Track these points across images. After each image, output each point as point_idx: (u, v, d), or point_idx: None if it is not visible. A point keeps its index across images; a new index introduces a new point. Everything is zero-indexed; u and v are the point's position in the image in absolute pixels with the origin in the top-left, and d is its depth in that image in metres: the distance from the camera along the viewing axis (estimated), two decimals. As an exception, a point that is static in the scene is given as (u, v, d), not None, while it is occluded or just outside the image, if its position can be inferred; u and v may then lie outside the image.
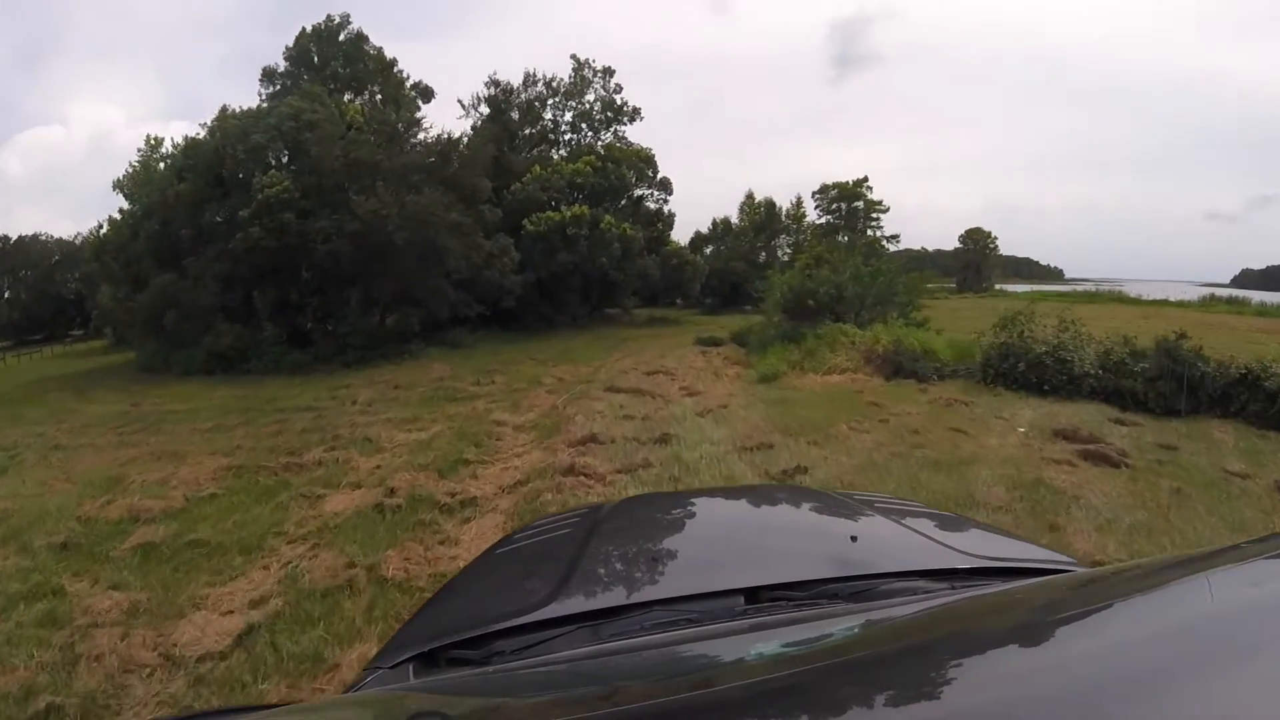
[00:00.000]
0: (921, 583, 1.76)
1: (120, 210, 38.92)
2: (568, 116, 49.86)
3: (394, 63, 42.31)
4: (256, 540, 8.71)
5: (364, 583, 7.23)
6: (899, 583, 1.75)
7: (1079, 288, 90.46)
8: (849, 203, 69.79)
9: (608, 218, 40.31)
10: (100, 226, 41.58)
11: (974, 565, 1.88)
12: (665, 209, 49.71)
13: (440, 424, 15.86)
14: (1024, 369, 16.74)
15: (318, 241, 30.17)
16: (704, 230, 65.64)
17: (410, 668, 1.67)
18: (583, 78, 48.95)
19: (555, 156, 45.61)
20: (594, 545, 2.27)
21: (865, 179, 69.71)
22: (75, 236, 77.95)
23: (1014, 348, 17.37)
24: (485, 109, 47.69)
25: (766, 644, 1.36)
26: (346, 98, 39.06)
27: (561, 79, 49.11)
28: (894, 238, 68.59)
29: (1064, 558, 2.17)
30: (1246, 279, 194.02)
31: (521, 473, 11.06)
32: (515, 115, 48.25)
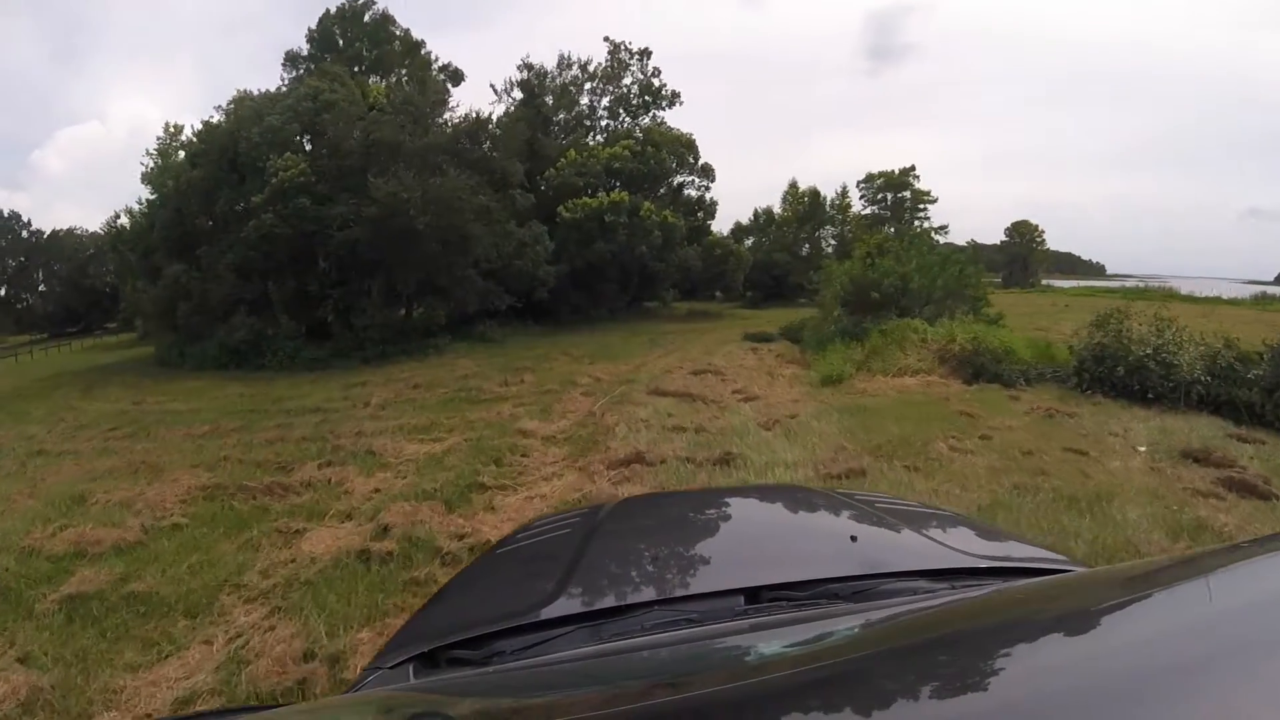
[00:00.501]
0: (921, 583, 1.74)
1: (139, 200, 37.28)
2: (604, 102, 47.61)
3: (421, 44, 40.42)
4: (208, 596, 6.86)
5: (319, 687, 5.13)
6: (899, 583, 1.74)
7: (1123, 284, 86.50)
8: (895, 193, 67.13)
9: (647, 204, 38.02)
10: (117, 217, 40.04)
11: (974, 565, 1.87)
12: (707, 197, 47.34)
13: (458, 433, 13.92)
14: (1123, 374, 14.72)
15: (334, 228, 28.09)
16: (743, 221, 63.54)
17: (410, 668, 1.64)
18: (619, 60, 46.74)
19: (591, 143, 43.30)
20: (594, 545, 2.27)
21: (912, 168, 67.24)
22: (108, 229, 77.48)
23: (1111, 349, 15.32)
24: (518, 94, 45.56)
25: (767, 644, 1.38)
26: (371, 81, 37.03)
27: (598, 63, 47.01)
28: (943, 229, 65.46)
29: (1064, 558, 2.16)
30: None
31: (549, 504, 9.03)
32: (549, 100, 45.99)
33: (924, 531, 2.20)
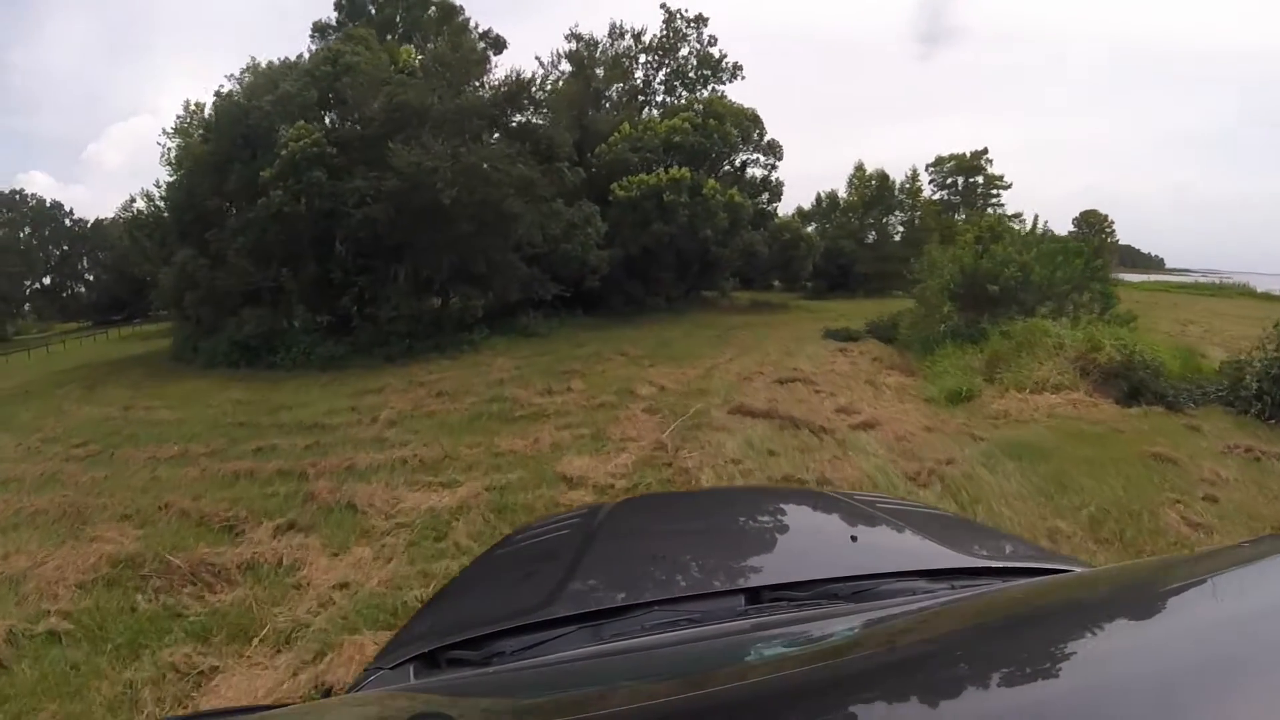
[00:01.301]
0: (921, 583, 1.73)
1: (157, 183, 33.47)
2: (660, 76, 42.95)
3: (460, 9, 35.73)
4: None
5: None
6: (899, 583, 1.72)
7: (1195, 278, 79.94)
8: (967, 177, 61.55)
9: (711, 182, 33.30)
10: (133, 201, 36.42)
11: (974, 565, 1.87)
12: (773, 177, 42.23)
13: (478, 476, 10.18)
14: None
15: (350, 205, 23.87)
16: (803, 205, 58.11)
17: (410, 668, 1.62)
18: (674, 30, 41.98)
19: (646, 117, 38.68)
20: (594, 545, 2.25)
21: (985, 151, 61.53)
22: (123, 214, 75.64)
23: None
24: (566, 66, 41.01)
25: (767, 644, 1.37)
26: (403, 48, 32.66)
27: (652, 34, 42.36)
28: (1017, 216, 59.65)
29: (1064, 558, 2.32)
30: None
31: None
32: (600, 73, 41.40)
33: (924, 532, 2.17)
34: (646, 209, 31.65)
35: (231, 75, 30.10)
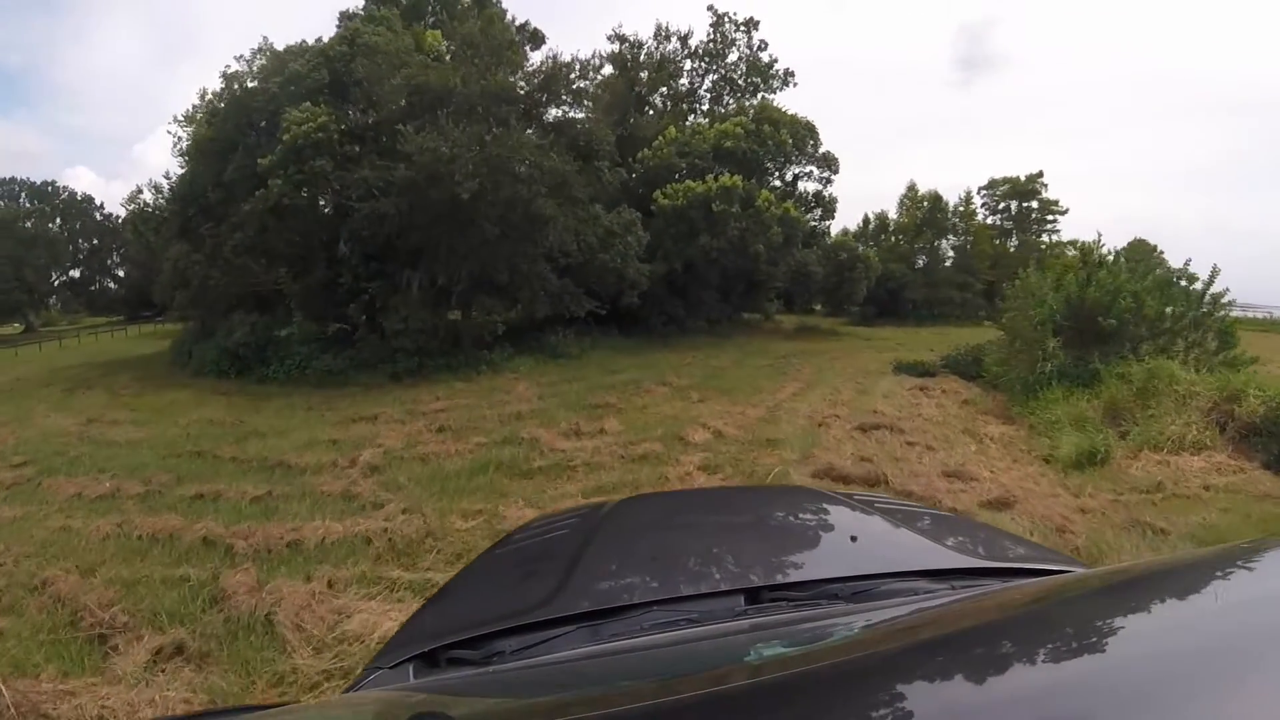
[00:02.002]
0: (921, 583, 1.70)
1: (166, 174, 30.36)
2: (707, 83, 39.49)
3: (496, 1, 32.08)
4: None
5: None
6: (899, 583, 1.70)
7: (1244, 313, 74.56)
8: (1021, 201, 57.41)
9: (765, 193, 29.56)
10: (139, 192, 33.37)
11: (974, 565, 1.86)
12: (826, 192, 38.43)
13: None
14: None
15: (354, 198, 20.52)
16: (848, 226, 53.86)
17: (410, 668, 1.60)
18: (722, 34, 38.57)
19: (694, 123, 35.09)
20: (594, 545, 2.20)
21: (1040, 174, 57.29)
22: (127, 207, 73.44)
23: None
24: (609, 69, 37.43)
25: (767, 644, 1.34)
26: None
27: (699, 39, 38.99)
28: (1073, 243, 55.39)
29: (1064, 558, 2.22)
30: None
31: None
32: (644, 76, 37.88)
33: (924, 532, 2.16)
34: (693, 219, 28.00)
35: (240, 56, 26.79)
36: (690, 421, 13.87)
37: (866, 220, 53.63)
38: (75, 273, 76.93)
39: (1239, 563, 1.31)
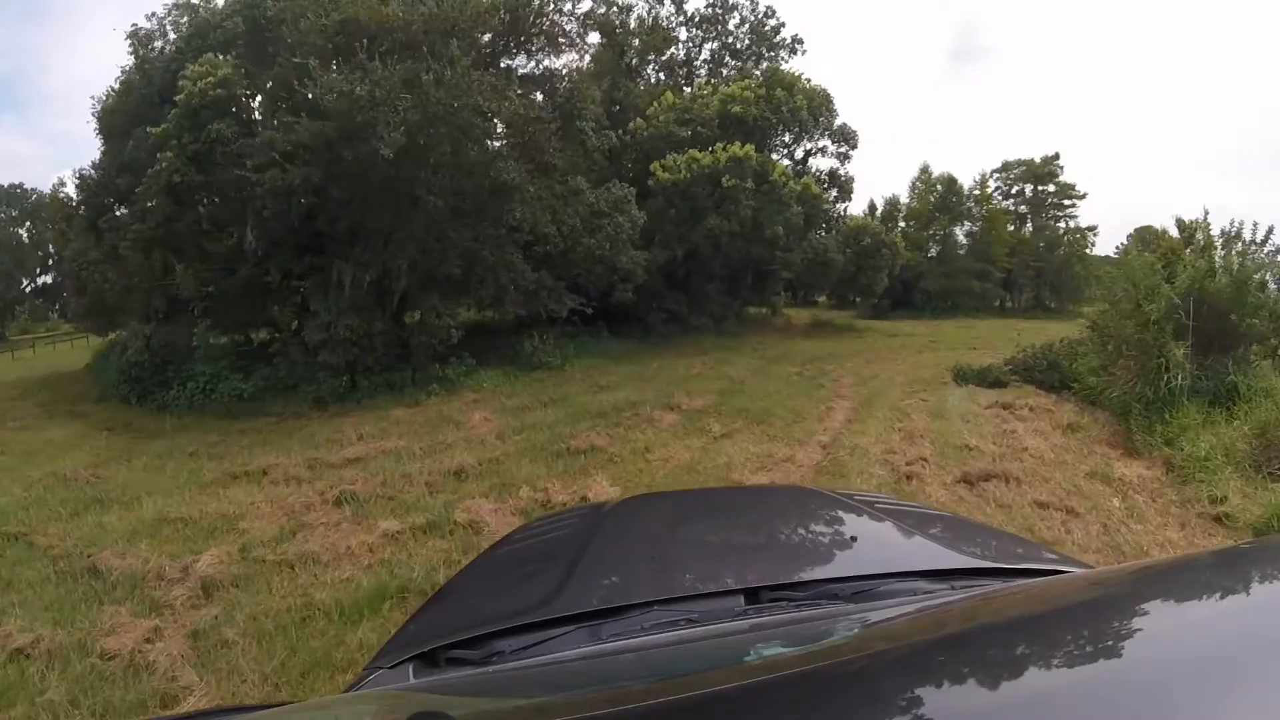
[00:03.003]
0: (921, 583, 1.67)
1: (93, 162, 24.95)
2: (705, 52, 34.19)
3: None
4: None
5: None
6: (899, 583, 1.66)
7: None
8: (1037, 185, 52.35)
9: (781, 166, 24.36)
10: (61, 185, 28.30)
11: (974, 565, 1.81)
12: (844, 170, 32.92)
13: None
14: None
15: (250, 168, 15.15)
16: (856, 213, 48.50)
17: (410, 668, 1.56)
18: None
19: (695, 89, 29.71)
20: (594, 545, 2.17)
21: (1056, 156, 52.01)
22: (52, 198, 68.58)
23: None
24: (596, 36, 32.06)
25: (767, 644, 1.33)
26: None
27: (696, 4, 33.75)
28: (1092, 229, 50.49)
29: (1064, 558, 2.08)
30: None
31: None
32: (636, 44, 32.52)
33: (924, 532, 2.09)
34: (698, 198, 22.70)
35: (153, 14, 21.27)
36: (718, 476, 9.05)
37: (873, 206, 48.47)
38: (48, 278, 70.45)
39: (1239, 563, 1.28)
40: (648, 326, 24.20)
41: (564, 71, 18.25)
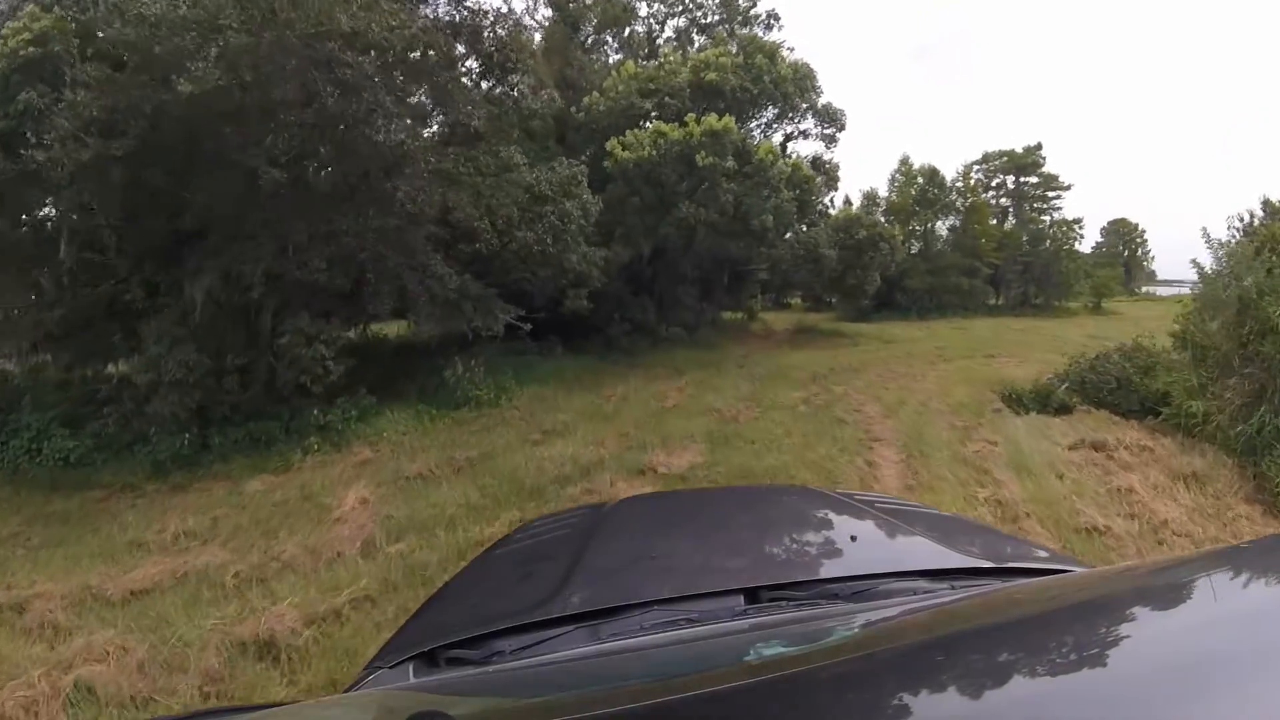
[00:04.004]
0: (921, 583, 1.65)
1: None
2: (669, 30, 29.61)
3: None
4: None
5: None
6: (899, 583, 1.64)
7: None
8: (1019, 176, 48.75)
9: (767, 144, 19.83)
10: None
11: (974, 565, 1.77)
12: (829, 156, 27.90)
13: None
14: None
15: (46, 141, 9.94)
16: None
17: (410, 668, 1.54)
18: (689, -32, 28.60)
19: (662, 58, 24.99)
20: (594, 545, 2.13)
21: (1039, 146, 48.56)
22: None
23: None
24: (547, 10, 27.35)
25: (766, 644, 1.30)
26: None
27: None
28: (1077, 222, 46.87)
29: (1064, 558, 2.18)
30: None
31: None
32: (593, 21, 27.83)
33: (924, 532, 2.06)
34: (666, 182, 18.03)
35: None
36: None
37: (848, 201, 44.21)
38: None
39: (1239, 563, 1.27)
40: (609, 339, 19.65)
41: (491, 11, 13.50)
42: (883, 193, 43.66)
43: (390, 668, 1.55)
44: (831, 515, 2.36)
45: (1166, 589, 1.22)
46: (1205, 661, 0.83)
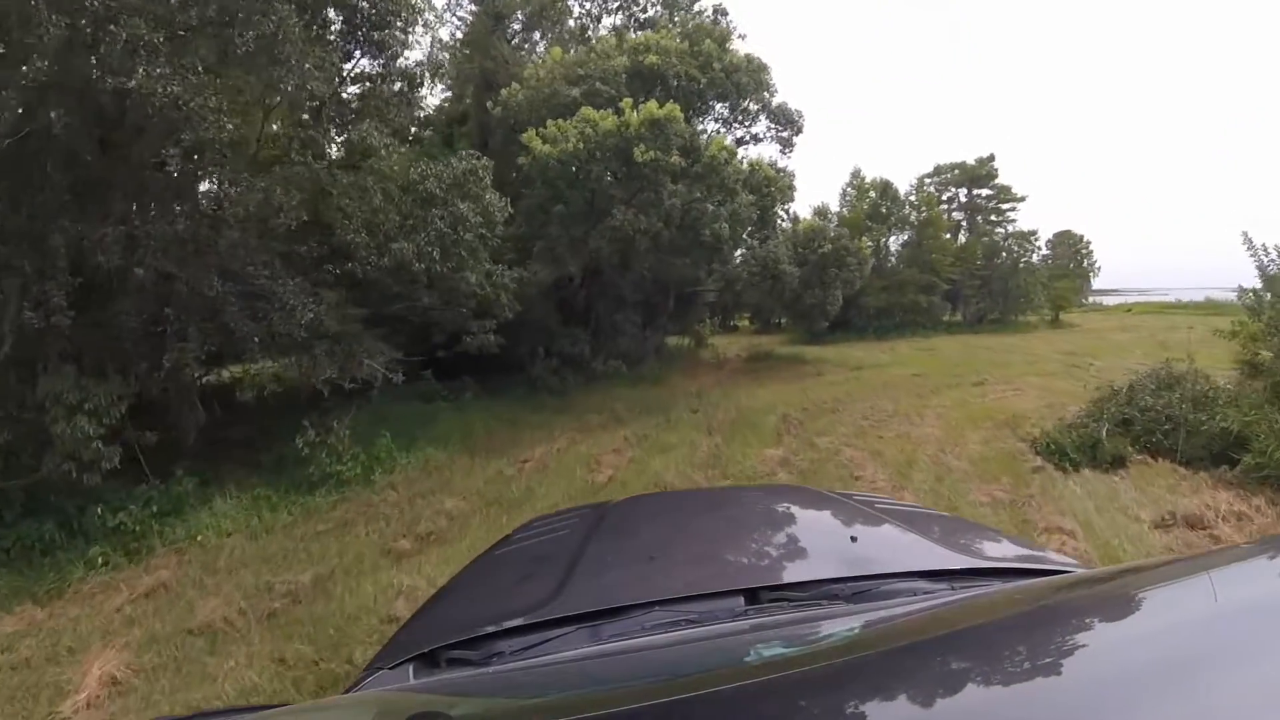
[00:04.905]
0: (921, 583, 1.64)
1: None
2: (605, 26, 26.07)
3: None
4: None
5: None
6: (899, 583, 1.63)
7: (1127, 298, 70.46)
8: (972, 188, 46.67)
9: (720, 140, 16.31)
10: None
11: (974, 565, 1.76)
12: (785, 163, 23.30)
13: None
14: None
15: None
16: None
17: (410, 668, 1.52)
18: (626, -40, 25.15)
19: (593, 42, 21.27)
20: (594, 545, 2.13)
21: (991, 157, 46.67)
22: None
23: None
24: (472, 6, 23.62)
25: (767, 644, 1.30)
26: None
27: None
28: (1033, 234, 44.68)
29: (1064, 558, 2.02)
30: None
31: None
32: (520, 16, 24.19)
33: (924, 532, 2.04)
34: (598, 183, 14.49)
35: None
36: None
37: (796, 218, 41.20)
38: None
39: (1238, 563, 1.25)
40: (533, 379, 16.01)
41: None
42: (834, 207, 41.01)
43: (391, 668, 1.51)
44: (831, 515, 2.35)
45: (1166, 589, 1.18)
46: (1206, 661, 0.81)
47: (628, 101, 14.52)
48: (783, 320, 35.02)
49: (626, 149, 13.91)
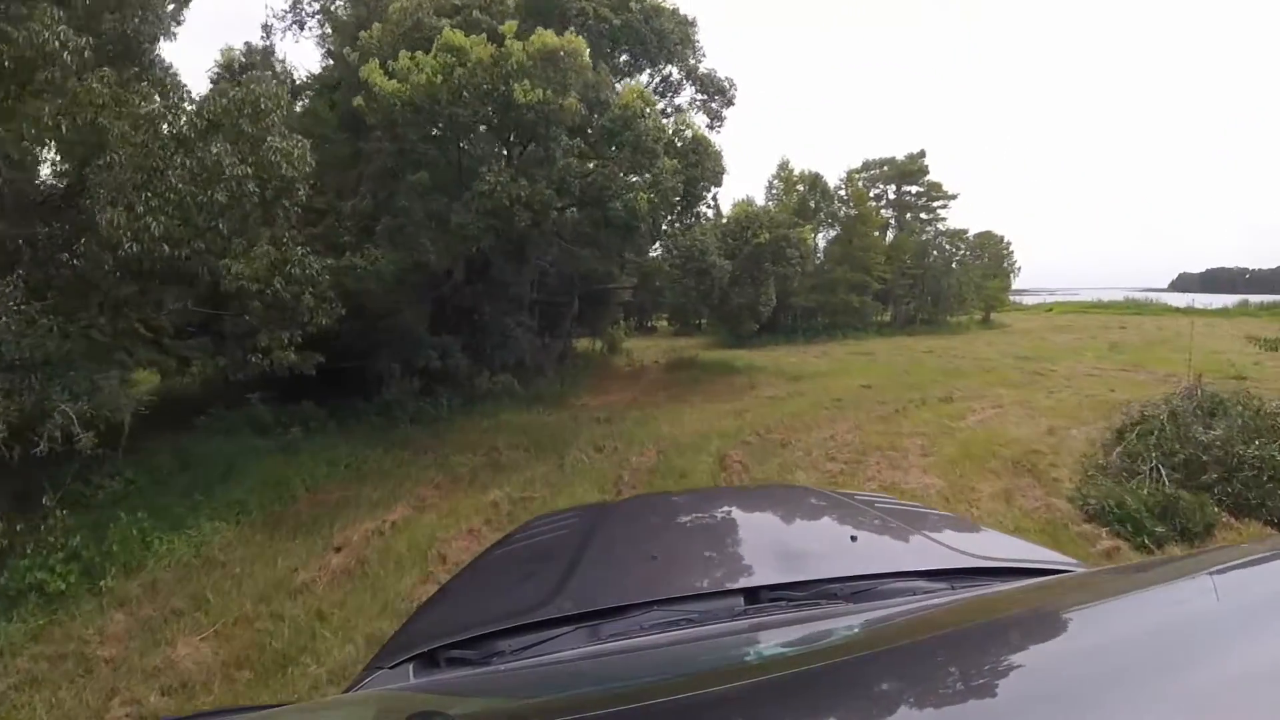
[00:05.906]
0: (921, 583, 1.60)
1: None
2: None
3: None
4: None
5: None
6: (899, 583, 1.59)
7: (1047, 298, 70.85)
8: (901, 184, 44.37)
9: (636, 86, 12.61)
10: None
11: (974, 565, 1.71)
12: (713, 140, 17.05)
13: None
14: None
15: None
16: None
17: (410, 668, 1.47)
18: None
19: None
20: (594, 545, 2.05)
21: (922, 153, 44.28)
22: None
23: None
24: None
25: (766, 644, 1.32)
26: None
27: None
28: (962, 233, 42.69)
29: (1064, 558, 1.95)
30: (1185, 282, 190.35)
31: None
32: None
33: (924, 532, 1.99)
34: (466, 142, 10.26)
35: None
36: None
37: (719, 211, 38.01)
38: None
39: (1238, 563, 1.20)
40: (390, 404, 12.17)
41: None
42: (760, 201, 37.99)
43: (390, 668, 1.47)
44: (831, 515, 2.32)
45: (1167, 589, 1.17)
46: (1206, 660, 0.81)
47: (510, 25, 10.64)
48: (703, 322, 32.32)
49: (506, 95, 10.05)
